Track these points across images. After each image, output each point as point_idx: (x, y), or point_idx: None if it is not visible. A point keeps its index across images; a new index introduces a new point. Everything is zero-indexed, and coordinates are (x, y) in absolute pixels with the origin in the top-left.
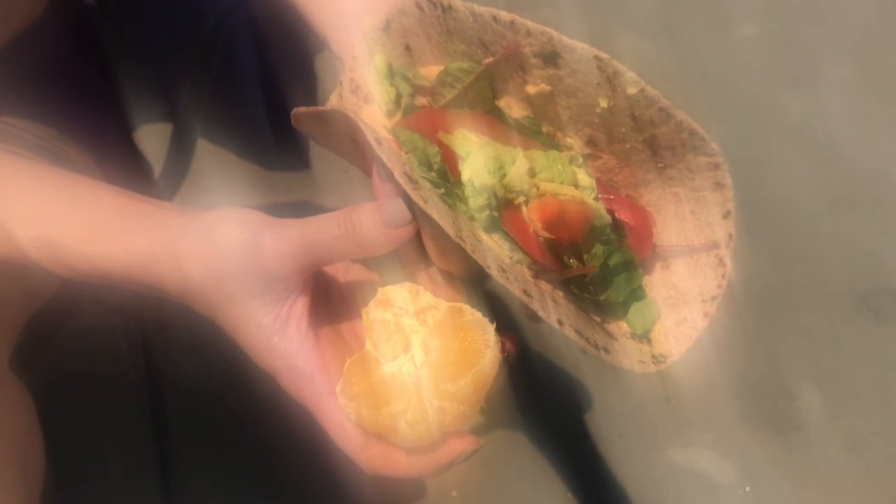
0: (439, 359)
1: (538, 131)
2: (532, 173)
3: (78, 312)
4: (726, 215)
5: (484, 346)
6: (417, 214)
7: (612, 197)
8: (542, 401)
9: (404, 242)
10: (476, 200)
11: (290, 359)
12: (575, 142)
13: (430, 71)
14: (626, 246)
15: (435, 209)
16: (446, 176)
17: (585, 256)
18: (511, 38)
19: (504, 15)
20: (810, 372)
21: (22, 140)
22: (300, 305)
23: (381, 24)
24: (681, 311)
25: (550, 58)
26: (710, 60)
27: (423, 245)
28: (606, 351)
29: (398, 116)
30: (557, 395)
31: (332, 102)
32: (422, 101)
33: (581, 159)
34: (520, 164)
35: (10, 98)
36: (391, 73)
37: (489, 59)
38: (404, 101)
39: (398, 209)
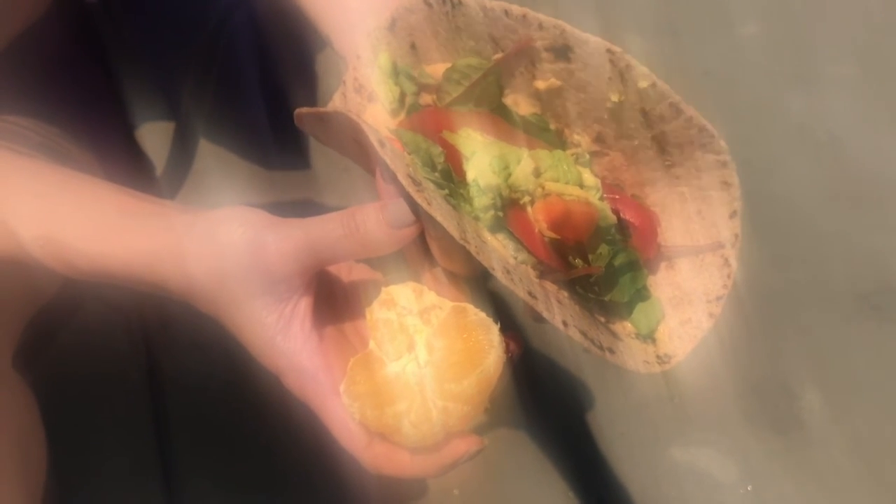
0: (443, 359)
1: (545, 128)
2: (537, 173)
3: (80, 311)
4: (732, 215)
5: (488, 347)
6: (421, 215)
7: (617, 197)
8: (543, 399)
9: (408, 242)
10: (481, 200)
11: (294, 358)
12: (582, 138)
13: (436, 69)
14: (631, 246)
15: (439, 211)
16: (450, 176)
17: (590, 256)
18: (522, 33)
19: (516, 9)
20: (812, 371)
21: (24, 138)
22: (304, 305)
23: (387, 22)
24: (685, 311)
25: (562, 51)
26: (712, 59)
27: (427, 245)
28: (611, 351)
29: (402, 115)
30: (559, 394)
31: (336, 102)
32: (426, 99)
33: (587, 157)
34: (525, 163)
35: (13, 96)
36: (395, 72)
37: (499, 55)
38: (408, 99)
39: (402, 209)
